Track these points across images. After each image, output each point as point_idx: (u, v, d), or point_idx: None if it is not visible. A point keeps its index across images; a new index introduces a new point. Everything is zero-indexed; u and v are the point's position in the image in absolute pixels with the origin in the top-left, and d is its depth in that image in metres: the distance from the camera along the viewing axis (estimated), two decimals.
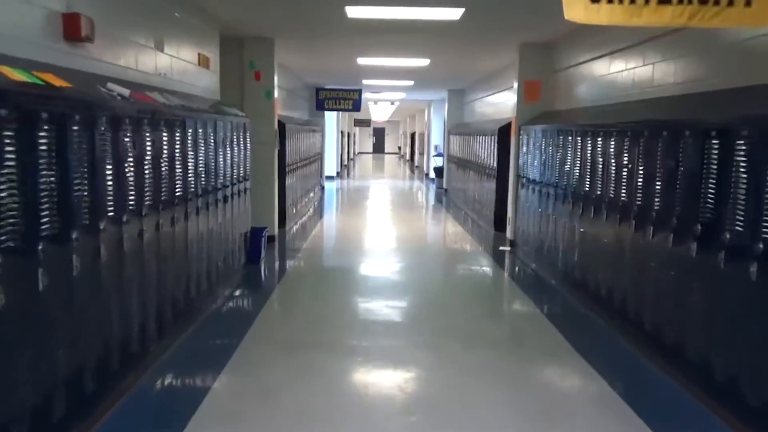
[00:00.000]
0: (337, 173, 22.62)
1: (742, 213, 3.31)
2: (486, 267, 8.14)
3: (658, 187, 4.27)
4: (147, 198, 3.94)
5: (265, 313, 5.54)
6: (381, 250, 9.08)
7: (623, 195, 4.88)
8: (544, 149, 7.18)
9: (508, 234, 8.95)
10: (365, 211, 13.91)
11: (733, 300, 3.40)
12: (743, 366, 3.32)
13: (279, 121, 9.11)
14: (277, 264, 7.90)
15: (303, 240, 9.54)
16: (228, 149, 6.01)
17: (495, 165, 10.03)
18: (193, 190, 4.86)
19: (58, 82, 3.00)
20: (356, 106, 15.39)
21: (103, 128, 3.27)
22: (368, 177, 25.23)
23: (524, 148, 8.21)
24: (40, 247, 2.67)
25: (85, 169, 3.08)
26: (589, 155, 5.72)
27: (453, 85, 15.66)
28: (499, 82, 11.28)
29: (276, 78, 8.65)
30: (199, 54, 6.21)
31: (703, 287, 3.72)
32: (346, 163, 28.51)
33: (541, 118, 8.11)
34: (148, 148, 3.94)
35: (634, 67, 5.64)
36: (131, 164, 3.66)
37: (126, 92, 3.70)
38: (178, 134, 4.52)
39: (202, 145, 5.08)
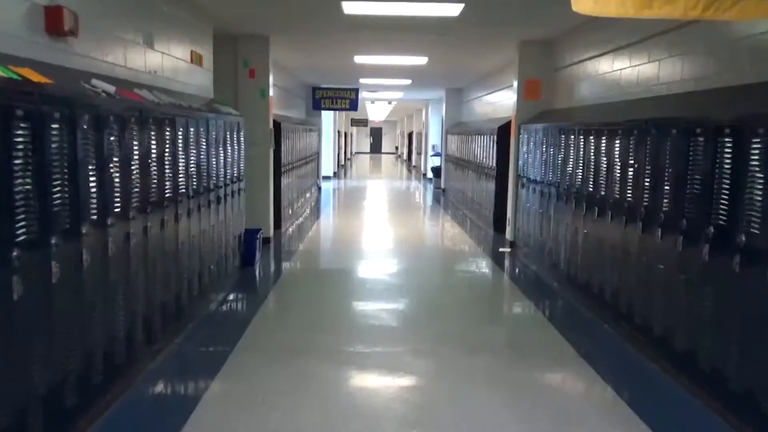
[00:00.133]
0: (334, 173, 22.45)
1: (758, 215, 3.15)
2: (486, 269, 7.99)
3: (666, 188, 4.11)
4: (134, 200, 3.77)
5: (259, 318, 5.37)
6: (378, 252, 8.91)
7: (629, 196, 4.73)
8: (546, 148, 7.03)
9: (508, 235, 8.79)
10: (362, 212, 13.74)
11: (749, 306, 3.25)
12: (760, 375, 3.17)
13: (274, 120, 8.94)
14: (272, 266, 7.73)
15: (299, 241, 9.37)
16: (221, 149, 5.84)
17: (494, 165, 9.87)
18: (183, 191, 4.68)
19: (36, 78, 2.83)
20: (353, 106, 15.22)
21: (85, 127, 3.10)
22: (365, 177, 25.06)
23: (524, 148, 8.06)
24: (14, 254, 2.50)
25: (66, 170, 2.90)
26: (592, 154, 5.57)
27: (451, 84, 15.51)
28: (498, 80, 11.13)
29: (271, 77, 8.48)
30: (191, 51, 6.03)
31: (716, 292, 3.56)
32: (343, 163, 28.35)
33: (542, 116, 7.96)
34: (136, 147, 3.77)
35: (639, 64, 5.48)
36: (117, 165, 3.49)
37: (111, 89, 3.53)
38: (168, 133, 4.35)
39: (193, 144, 4.91)
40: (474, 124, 13.33)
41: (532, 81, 8.27)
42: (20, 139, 2.56)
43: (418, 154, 26.80)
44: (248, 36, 8.09)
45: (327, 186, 18.69)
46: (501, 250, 8.58)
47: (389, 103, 24.03)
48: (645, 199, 4.44)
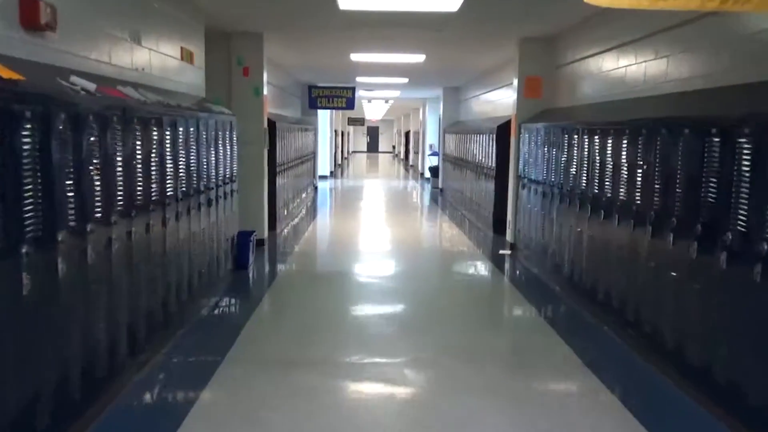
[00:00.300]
0: (331, 173, 22.24)
1: None
2: (486, 272, 7.79)
3: (679, 191, 3.92)
4: (117, 204, 3.57)
5: (252, 325, 5.16)
6: (376, 254, 8.71)
7: (638, 198, 4.53)
8: (548, 148, 6.83)
9: (508, 237, 8.60)
10: (359, 212, 13.54)
11: None
12: None
13: (269, 119, 8.73)
14: (266, 269, 7.52)
15: (294, 243, 9.16)
16: (212, 149, 5.63)
17: (493, 164, 9.68)
18: (171, 193, 4.47)
19: (6, 74, 2.62)
20: (350, 105, 15.01)
21: (61, 126, 2.89)
22: (362, 176, 24.86)
23: (525, 147, 7.87)
24: None
25: (39, 173, 2.69)
26: (597, 155, 5.37)
27: (449, 82, 15.31)
28: (497, 78, 10.94)
29: (265, 75, 8.27)
30: (181, 48, 5.82)
31: (734, 302, 3.37)
32: (339, 162, 28.14)
33: (543, 115, 7.76)
34: (119, 148, 3.56)
35: (645, 61, 5.29)
36: (98, 166, 3.28)
37: (91, 86, 3.32)
38: (155, 133, 4.14)
39: (182, 145, 4.70)
40: (472, 123, 13.13)
41: (532, 79, 8.07)
42: None
43: (415, 153, 26.61)
44: (242, 33, 7.88)
45: (323, 186, 18.48)
46: (501, 252, 8.39)
47: (386, 101, 23.82)
48: (655, 203, 4.24)
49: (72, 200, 3.01)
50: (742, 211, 3.24)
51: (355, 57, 10.05)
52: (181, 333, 4.71)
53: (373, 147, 48.74)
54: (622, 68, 5.77)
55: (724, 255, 3.38)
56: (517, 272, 7.61)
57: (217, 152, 5.78)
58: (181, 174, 4.70)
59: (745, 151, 3.24)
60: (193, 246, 5.10)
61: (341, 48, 9.36)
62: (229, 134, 6.30)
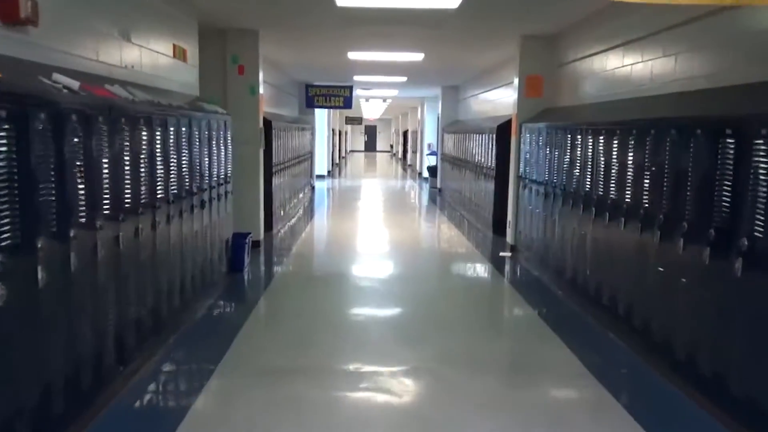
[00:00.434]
0: (328, 172, 22.07)
1: None
2: (486, 274, 7.64)
3: (690, 194, 3.76)
4: (103, 207, 3.40)
5: (246, 331, 4.98)
6: (374, 256, 8.55)
7: (645, 201, 4.38)
8: (550, 148, 6.68)
9: (508, 238, 8.44)
10: (357, 212, 13.37)
11: None
12: None
13: (265, 118, 8.57)
14: (261, 272, 7.35)
15: (291, 244, 9.00)
16: (205, 150, 5.46)
17: (493, 164, 9.52)
18: (162, 195, 4.31)
19: None
20: (347, 104, 14.86)
21: (40, 126, 2.72)
22: (360, 176, 24.70)
23: (526, 147, 7.71)
24: None
25: (16, 176, 2.53)
26: (602, 155, 5.22)
27: (447, 81, 15.15)
28: (497, 77, 10.78)
29: (261, 73, 8.10)
30: (174, 45, 5.65)
31: (751, 312, 3.21)
32: (337, 161, 27.97)
33: (544, 115, 7.61)
34: (105, 149, 3.39)
35: (652, 59, 5.13)
36: (81, 168, 3.12)
37: (75, 84, 3.15)
38: (144, 133, 3.97)
39: (173, 145, 4.53)
40: (471, 122, 12.98)
41: (533, 77, 7.91)
42: None
43: (414, 152, 26.45)
44: (237, 30, 7.70)
45: (321, 185, 18.31)
46: (501, 254, 8.23)
47: (384, 101, 23.64)
48: (664, 206, 4.09)
49: (53, 204, 2.84)
50: (759, 216, 3.09)
51: (353, 55, 9.89)
52: (172, 341, 4.55)
53: (370, 146, 48.56)
54: (628, 66, 5.61)
55: (739, 261, 3.23)
56: (518, 275, 7.46)
57: (210, 152, 5.61)
58: (172, 175, 4.53)
59: (762, 153, 3.09)
60: (185, 250, 4.93)
61: (339, 46, 9.19)
62: (223, 134, 6.13)
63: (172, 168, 4.52)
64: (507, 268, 7.74)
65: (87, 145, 3.16)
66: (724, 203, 3.41)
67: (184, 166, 4.80)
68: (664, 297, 4.11)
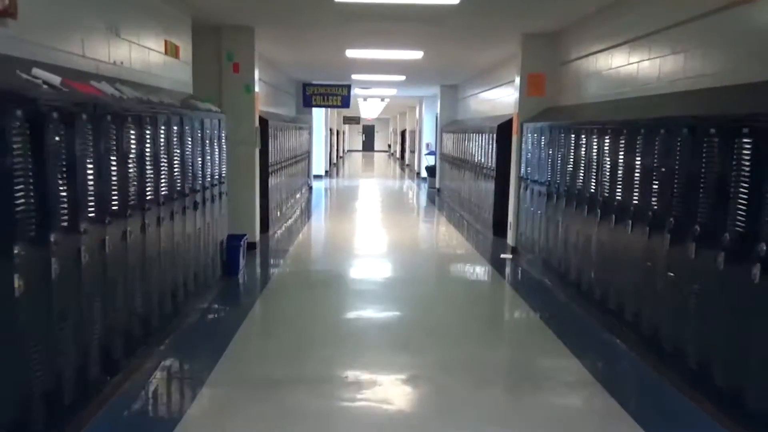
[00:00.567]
0: (326, 172, 21.89)
1: None
2: (487, 278, 7.47)
3: (703, 197, 3.59)
4: (89, 209, 3.22)
5: (240, 338, 4.80)
6: (372, 258, 8.37)
7: (654, 203, 4.21)
8: (553, 149, 6.52)
9: (509, 240, 8.28)
10: (355, 213, 13.19)
11: None
12: None
13: (261, 117, 8.39)
14: (257, 276, 7.17)
15: (288, 246, 8.81)
16: (198, 149, 5.29)
17: (493, 165, 9.35)
18: (151, 197, 4.13)
19: None
20: (345, 103, 14.68)
21: (17, 124, 2.54)
22: (358, 176, 24.52)
23: (528, 147, 7.55)
24: None
25: None
26: (607, 155, 5.06)
27: (447, 80, 14.98)
28: (497, 76, 10.62)
29: (257, 71, 7.92)
30: (165, 41, 5.47)
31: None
32: (335, 161, 27.79)
33: (547, 114, 7.45)
34: (89, 148, 3.22)
35: (660, 56, 4.97)
36: (63, 169, 2.94)
37: (56, 80, 2.98)
38: (132, 132, 3.80)
39: (164, 144, 4.36)
40: (471, 122, 12.81)
41: (535, 76, 7.75)
42: None
43: (412, 152, 26.28)
44: (231, 27, 7.53)
45: (318, 185, 18.13)
46: (502, 256, 8.06)
47: (382, 100, 23.47)
48: (675, 208, 3.93)
49: (32, 207, 2.67)
50: None
51: (351, 53, 9.71)
52: (163, 348, 4.38)
53: (368, 146, 48.40)
54: (634, 64, 5.45)
55: (757, 267, 3.06)
56: (520, 277, 7.29)
57: (204, 152, 5.44)
58: (163, 176, 4.35)
59: None
60: (177, 253, 4.76)
61: (336, 44, 9.02)
62: (217, 133, 5.96)
63: (162, 168, 4.35)
64: (508, 270, 7.57)
65: (70, 144, 2.99)
66: (740, 206, 3.25)
67: (175, 166, 4.63)
68: (674, 303, 3.95)
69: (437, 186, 16.62)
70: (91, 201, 3.24)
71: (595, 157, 5.34)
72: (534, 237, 7.22)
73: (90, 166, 3.21)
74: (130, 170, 3.78)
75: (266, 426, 3.38)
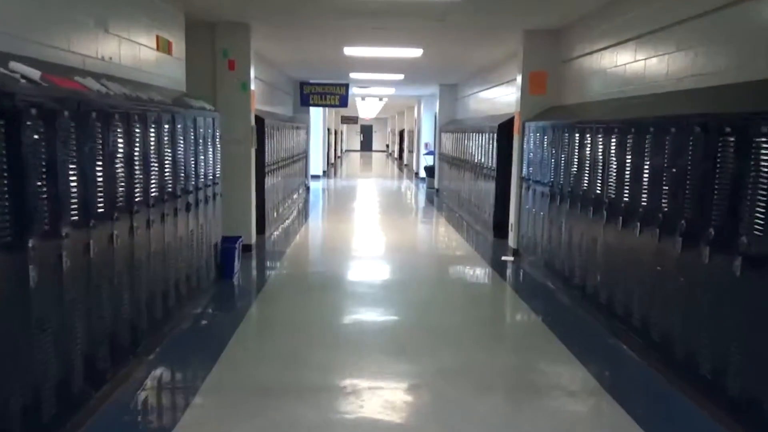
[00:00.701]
0: (324, 172, 21.70)
1: None
2: (488, 281, 7.30)
3: (718, 198, 3.43)
4: (72, 212, 3.05)
5: (234, 345, 4.62)
6: (371, 261, 8.19)
7: (664, 205, 4.05)
8: (557, 148, 6.35)
9: (511, 242, 8.11)
10: (353, 214, 13.01)
11: None
12: None
13: (257, 116, 8.22)
14: (252, 279, 6.99)
15: (284, 248, 8.63)
16: (192, 148, 5.11)
17: (494, 165, 9.19)
18: (140, 199, 3.95)
19: None
20: (343, 102, 14.49)
21: None
22: (356, 176, 24.34)
23: (530, 147, 7.38)
24: None
25: None
26: (614, 155, 4.89)
27: (446, 79, 14.81)
28: (498, 74, 10.46)
29: (253, 69, 7.74)
30: (157, 37, 5.29)
31: None
32: (332, 161, 27.61)
33: (549, 113, 7.29)
34: (72, 147, 3.04)
35: (668, 53, 4.80)
36: (43, 169, 2.76)
37: (35, 74, 2.80)
38: (119, 131, 3.62)
39: (154, 143, 4.18)
40: (470, 121, 12.64)
41: (537, 74, 7.58)
42: None
43: (410, 152, 26.12)
44: (227, 23, 7.34)
45: (316, 185, 17.95)
46: (504, 258, 7.90)
47: (380, 99, 23.31)
48: (687, 211, 3.76)
49: (7, 211, 2.49)
50: None
51: (349, 51, 9.54)
52: (153, 357, 4.20)
53: (366, 146, 48.22)
54: (641, 61, 5.28)
55: None
56: (523, 281, 7.12)
57: (197, 152, 5.26)
58: (153, 177, 4.18)
59: None
60: (168, 257, 4.58)
61: (334, 41, 8.84)
62: (211, 132, 5.78)
63: (152, 169, 4.17)
64: (509, 272, 7.40)
65: (50, 143, 2.81)
66: (759, 208, 3.08)
67: (166, 166, 4.45)
68: (687, 309, 3.78)
69: (436, 186, 16.46)
70: (74, 203, 3.06)
71: (600, 157, 5.18)
72: (536, 239, 7.06)
73: (73, 166, 3.03)
74: (118, 171, 3.60)
75: None
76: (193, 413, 3.47)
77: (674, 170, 3.92)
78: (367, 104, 25.50)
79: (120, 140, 3.61)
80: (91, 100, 3.31)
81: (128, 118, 3.74)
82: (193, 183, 5.14)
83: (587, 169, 5.47)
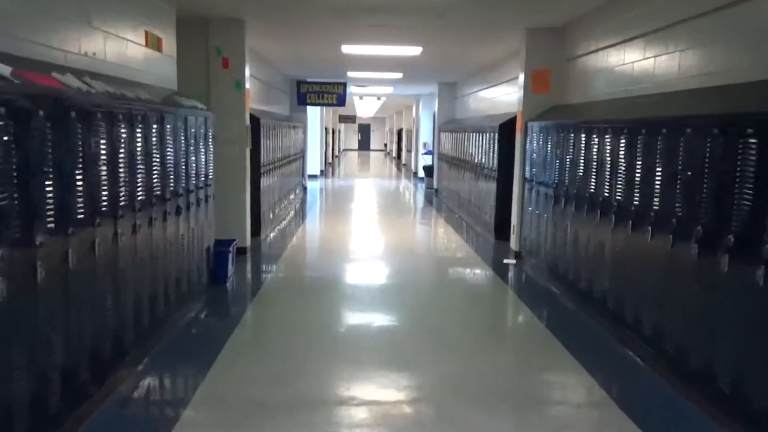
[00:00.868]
0: (321, 172, 21.50)
1: None
2: (490, 284, 7.09)
3: (737, 202, 3.22)
4: (48, 218, 2.83)
5: (228, 353, 4.40)
6: (370, 264, 7.97)
7: (679, 209, 3.84)
8: (560, 148, 6.15)
9: (513, 244, 7.91)
10: (351, 215, 12.80)
11: None
12: None
13: (252, 115, 8.00)
14: (246, 284, 6.76)
15: (280, 251, 8.40)
16: (182, 149, 4.90)
17: (495, 165, 8.98)
18: (125, 203, 3.73)
19: None
20: (341, 101, 14.29)
21: None
22: (354, 175, 24.13)
23: (533, 147, 7.18)
24: None
25: None
26: (622, 156, 4.69)
27: (445, 78, 14.60)
28: (499, 73, 10.25)
29: (248, 67, 7.52)
30: (146, 32, 5.07)
31: None
32: (330, 161, 27.39)
33: (552, 112, 7.09)
34: (48, 148, 2.82)
35: (680, 50, 4.59)
36: (14, 173, 2.55)
37: (6, 70, 2.59)
38: (102, 131, 3.40)
39: (141, 144, 3.96)
40: (470, 120, 12.44)
41: (541, 72, 7.38)
42: None
43: (408, 151, 25.92)
44: (221, 19, 7.12)
45: (313, 185, 17.74)
46: (506, 261, 7.69)
47: (378, 98, 23.11)
48: (703, 216, 3.56)
49: None
50: None
51: (347, 49, 9.32)
52: (140, 368, 3.99)
53: (364, 145, 48.01)
54: (650, 59, 5.08)
55: None
56: (526, 285, 6.92)
57: (188, 153, 5.05)
58: (139, 179, 3.96)
59: None
60: (157, 263, 4.36)
61: (332, 39, 8.63)
62: (203, 132, 5.56)
63: (139, 171, 3.95)
64: (512, 276, 7.20)
65: (21, 144, 2.60)
66: None
67: (154, 168, 4.23)
68: (704, 320, 3.58)
69: (435, 186, 16.26)
70: (49, 209, 2.84)
71: (608, 158, 4.97)
72: (539, 241, 6.86)
73: (48, 169, 2.82)
74: (101, 174, 3.39)
75: None
76: (182, 429, 3.26)
77: (690, 173, 3.72)
78: (365, 103, 25.31)
79: (103, 141, 3.40)
80: (70, 98, 3.09)
81: (112, 118, 3.52)
82: (183, 185, 4.93)
83: (594, 170, 5.26)
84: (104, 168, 3.42)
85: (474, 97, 12.91)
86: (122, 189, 3.68)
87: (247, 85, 7.51)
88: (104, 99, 3.53)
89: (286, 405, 3.62)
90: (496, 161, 8.93)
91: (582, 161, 5.55)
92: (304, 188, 15.60)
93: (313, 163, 19.44)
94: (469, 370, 4.25)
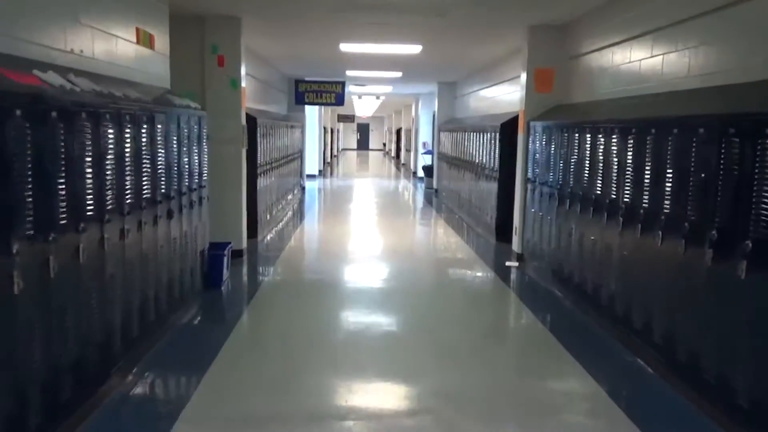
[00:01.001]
0: (320, 171, 21.34)
1: None
2: (492, 287, 6.93)
3: (755, 207, 3.06)
4: (27, 224, 2.67)
5: (221, 362, 4.24)
6: (369, 265, 7.79)
7: (691, 213, 3.68)
8: (564, 148, 5.98)
9: (515, 246, 7.74)
10: (349, 215, 12.64)
11: None
12: None
13: (249, 115, 7.84)
14: (243, 288, 6.59)
15: (277, 253, 8.23)
16: (175, 150, 4.73)
17: (496, 165, 8.82)
18: (112, 207, 3.57)
19: None
20: (339, 100, 14.12)
21: None
22: (353, 175, 23.96)
23: (535, 147, 7.02)
24: None
25: None
26: (630, 157, 4.53)
27: (445, 77, 14.43)
28: (500, 72, 10.09)
29: (244, 65, 7.36)
30: (137, 29, 4.90)
31: None
32: (329, 160, 27.22)
33: (556, 111, 6.92)
34: (27, 149, 2.66)
35: (690, 48, 4.43)
36: None
37: None
38: (87, 131, 3.24)
39: (129, 144, 3.79)
40: (470, 120, 12.28)
41: (543, 71, 7.21)
42: None
43: (408, 151, 25.76)
44: (216, 16, 6.95)
45: (312, 185, 17.57)
46: (507, 264, 7.53)
47: (377, 98, 22.95)
48: (719, 220, 3.40)
49: None
50: None
51: (345, 47, 9.15)
52: (130, 379, 3.82)
53: (363, 144, 47.85)
54: (658, 56, 4.91)
55: None
56: (529, 289, 6.75)
57: (180, 153, 4.88)
58: (128, 181, 3.79)
59: None
60: (147, 268, 4.20)
61: (330, 37, 8.46)
62: (197, 132, 5.40)
63: (128, 173, 3.79)
64: (515, 279, 7.03)
65: None
66: None
67: (144, 170, 4.06)
68: (720, 329, 3.42)
69: (435, 186, 16.10)
70: (29, 215, 2.68)
71: (615, 158, 4.81)
72: (542, 244, 6.70)
73: (27, 172, 2.65)
74: (86, 176, 3.22)
75: None
76: None
77: (703, 175, 3.56)
78: (363, 102, 25.15)
79: (88, 142, 3.23)
80: (51, 96, 2.92)
81: (98, 118, 3.35)
82: (175, 187, 4.76)
83: (600, 171, 5.10)
84: (89, 170, 3.25)
85: (474, 96, 12.75)
86: (109, 192, 3.51)
87: (244, 84, 7.34)
88: (89, 98, 3.36)
89: (282, 418, 3.46)
90: (497, 161, 8.77)
91: (588, 162, 5.39)
92: (303, 188, 15.44)
93: (312, 162, 19.27)
94: (471, 380, 4.09)
